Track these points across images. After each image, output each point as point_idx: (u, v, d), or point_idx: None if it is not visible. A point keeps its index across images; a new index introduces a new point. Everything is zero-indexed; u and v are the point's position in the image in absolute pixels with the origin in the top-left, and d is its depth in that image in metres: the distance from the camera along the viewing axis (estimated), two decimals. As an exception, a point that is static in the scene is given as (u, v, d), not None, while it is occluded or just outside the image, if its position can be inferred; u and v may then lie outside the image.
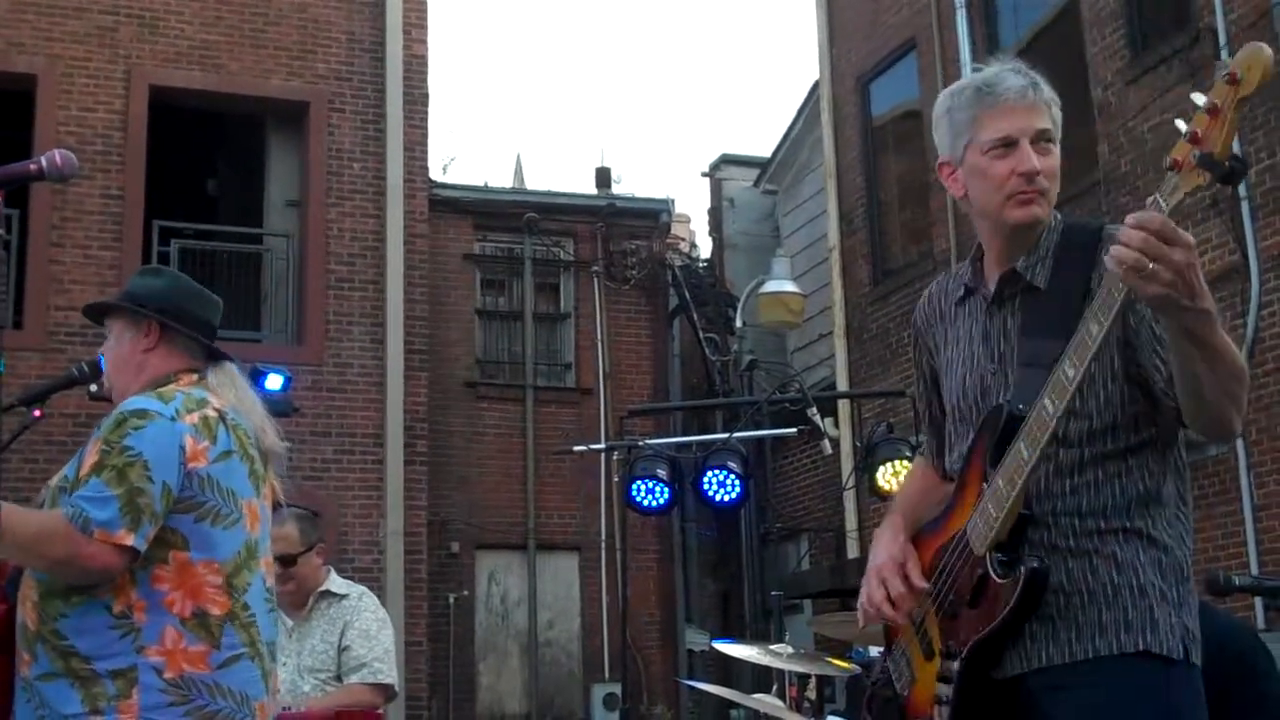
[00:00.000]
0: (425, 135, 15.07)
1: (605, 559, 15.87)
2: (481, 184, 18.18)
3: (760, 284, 16.07)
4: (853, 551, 14.27)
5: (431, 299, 15.02)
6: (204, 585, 3.32)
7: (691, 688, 14.24)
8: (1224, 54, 10.53)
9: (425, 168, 15.18)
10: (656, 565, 16.27)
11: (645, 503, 9.04)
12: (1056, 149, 2.86)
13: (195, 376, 3.57)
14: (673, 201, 17.72)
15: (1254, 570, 9.65)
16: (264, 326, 14.75)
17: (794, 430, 9.74)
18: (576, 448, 10.54)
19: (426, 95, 15.11)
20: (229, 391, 3.58)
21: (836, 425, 14.54)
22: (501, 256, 17.07)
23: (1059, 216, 2.88)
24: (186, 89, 14.22)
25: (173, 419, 3.35)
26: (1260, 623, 9.18)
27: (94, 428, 3.44)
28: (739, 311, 16.75)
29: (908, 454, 8.61)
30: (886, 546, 2.96)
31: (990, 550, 2.69)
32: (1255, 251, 10.27)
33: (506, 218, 16.87)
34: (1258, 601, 9.16)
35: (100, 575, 3.24)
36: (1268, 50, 2.29)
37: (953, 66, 13.42)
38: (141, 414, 3.34)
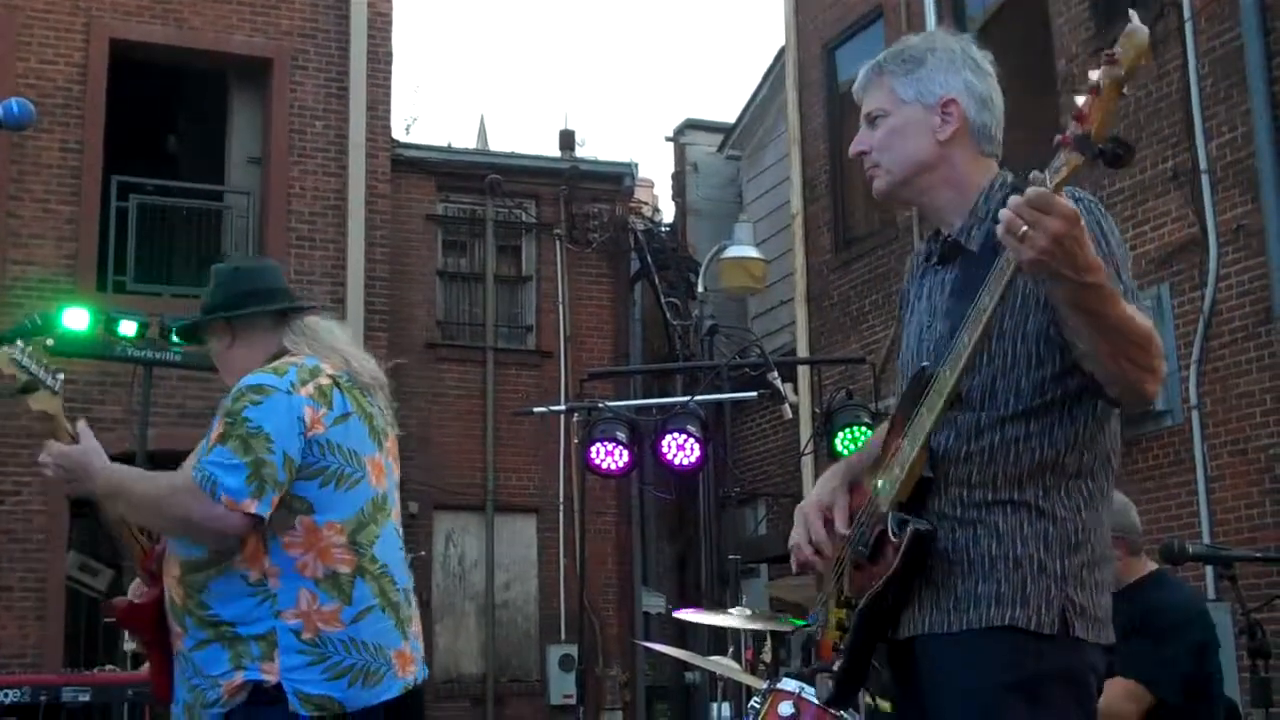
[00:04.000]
0: (388, 94, 15.01)
1: (563, 521, 15.87)
2: (444, 144, 18.12)
3: (722, 249, 16.05)
4: (810, 517, 14.28)
5: (393, 259, 14.97)
6: (331, 546, 3.48)
7: (648, 649, 14.27)
8: (1188, 27, 10.56)
9: (388, 127, 15.12)
10: (614, 528, 16.28)
11: (604, 465, 9.05)
12: (892, 116, 2.93)
13: (293, 354, 3.68)
14: (636, 166, 17.69)
15: (1206, 541, 9.73)
16: (223, 284, 14.63)
17: (754, 394, 9.76)
18: (536, 409, 10.49)
19: (390, 53, 15.04)
20: (304, 346, 3.70)
21: (796, 391, 14.57)
22: (463, 218, 16.99)
23: (1008, 178, 2.89)
24: (148, 43, 14.09)
25: (289, 392, 3.50)
26: (1211, 592, 9.27)
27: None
28: (701, 276, 16.74)
29: (866, 420, 8.65)
30: (819, 489, 3.04)
31: (892, 509, 2.74)
32: (1214, 224, 10.31)
33: (469, 179, 16.78)
34: (1209, 570, 9.26)
35: (219, 539, 3.40)
36: (1144, 33, 2.30)
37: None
38: (258, 389, 3.49)
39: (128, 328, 9.56)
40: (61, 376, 3.67)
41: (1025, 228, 2.36)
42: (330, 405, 3.55)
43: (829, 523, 2.97)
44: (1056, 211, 2.34)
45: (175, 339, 9.68)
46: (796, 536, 3.00)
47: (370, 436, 3.65)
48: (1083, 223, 2.39)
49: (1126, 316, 2.49)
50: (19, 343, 3.66)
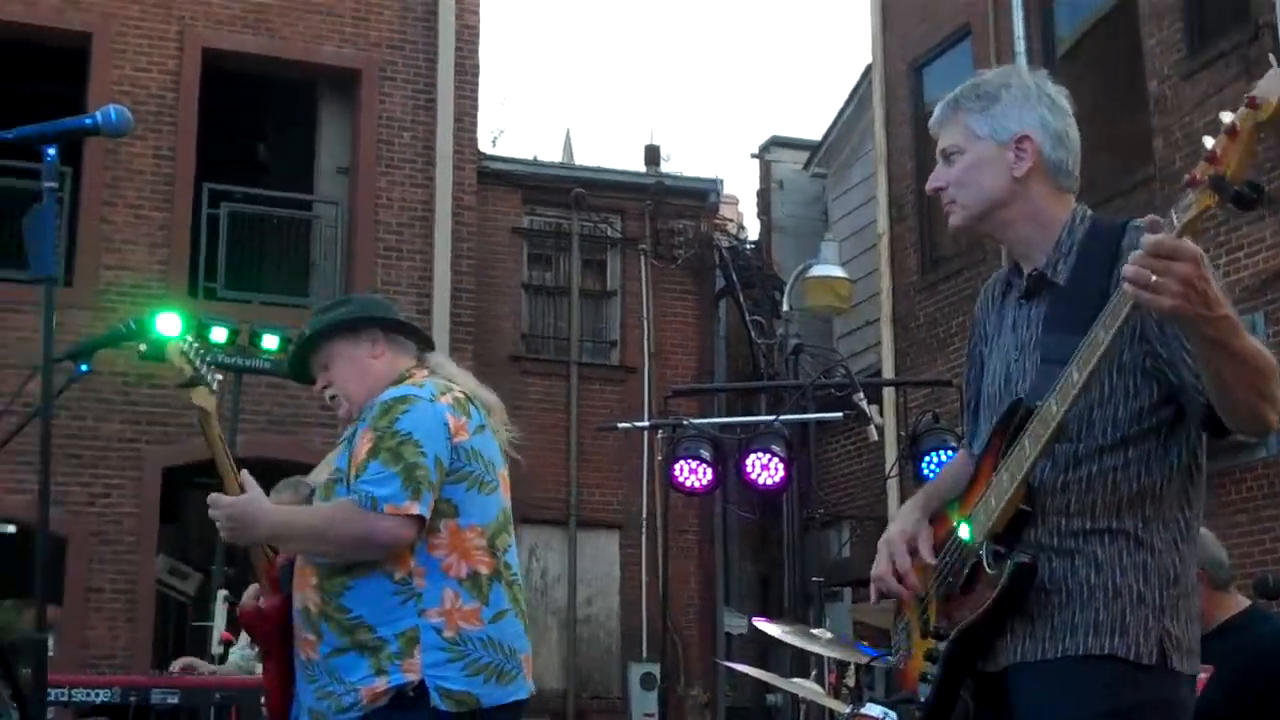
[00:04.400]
0: (475, 106, 15.09)
1: (646, 538, 15.80)
2: (530, 158, 18.17)
3: (807, 268, 15.98)
4: (894, 540, 14.16)
5: (478, 271, 15.03)
6: (472, 548, 3.60)
7: (729, 670, 14.21)
8: (1285, 50, 10.39)
9: (474, 139, 15.20)
10: (697, 546, 16.24)
11: (688, 483, 9.03)
12: (967, 152, 2.95)
13: (425, 370, 3.83)
14: (721, 182, 17.67)
15: (1300, 574, 9.54)
16: (312, 293, 14.77)
17: (839, 415, 9.68)
18: (620, 425, 10.50)
19: (477, 66, 15.13)
20: (444, 369, 3.88)
21: (881, 413, 14.44)
22: (549, 231, 17.04)
23: (1087, 212, 2.91)
24: (239, 52, 14.27)
25: (431, 400, 3.63)
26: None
27: (352, 422, 3.73)
28: (786, 295, 16.66)
29: (953, 444, 8.55)
30: (902, 519, 3.03)
31: (987, 540, 2.74)
32: (1311, 251, 10.13)
33: (555, 193, 16.83)
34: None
35: (393, 548, 3.50)
36: None
37: (1007, 54, 13.28)
38: (403, 399, 3.62)
39: (219, 334, 9.67)
40: (220, 377, 3.81)
41: (1155, 277, 2.35)
42: (468, 415, 3.68)
43: (913, 552, 2.96)
44: (1183, 255, 2.34)
45: (264, 343, 9.74)
46: (879, 567, 2.99)
47: (499, 451, 3.80)
48: (1205, 259, 2.37)
49: (1254, 346, 2.49)
50: (189, 337, 3.78)
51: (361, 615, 3.50)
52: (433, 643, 3.48)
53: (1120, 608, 2.67)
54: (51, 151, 3.40)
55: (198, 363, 3.72)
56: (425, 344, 3.97)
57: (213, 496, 3.58)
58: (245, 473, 3.61)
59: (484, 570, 3.59)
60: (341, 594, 3.53)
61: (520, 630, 3.65)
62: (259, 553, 3.76)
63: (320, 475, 3.82)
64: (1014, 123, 2.90)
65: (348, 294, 3.91)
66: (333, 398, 3.84)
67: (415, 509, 3.47)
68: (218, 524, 3.57)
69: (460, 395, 3.71)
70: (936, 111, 3.03)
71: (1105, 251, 2.77)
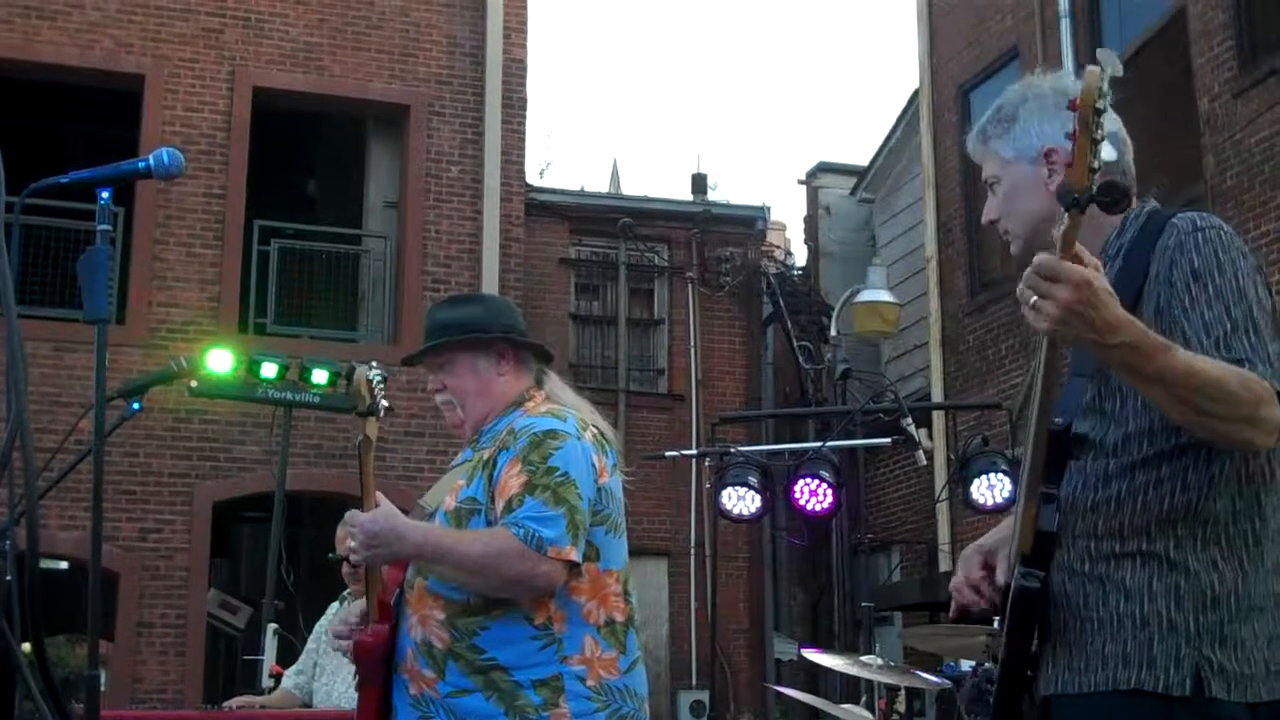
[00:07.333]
0: (523, 139, 15.17)
1: (695, 565, 15.77)
2: (578, 188, 18.25)
3: (855, 293, 15.95)
4: (945, 565, 14.12)
5: (526, 302, 15.08)
6: (610, 594, 3.51)
7: (779, 696, 14.16)
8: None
9: (522, 171, 15.28)
10: (746, 573, 16.19)
11: (736, 510, 9.03)
12: (1003, 180, 2.90)
13: (542, 393, 3.69)
14: (768, 209, 17.66)
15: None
16: (360, 326, 14.90)
17: (888, 440, 9.66)
18: (668, 453, 10.50)
19: (525, 99, 15.21)
20: (561, 394, 3.72)
21: (930, 437, 14.40)
22: (596, 261, 17.08)
23: (1145, 208, 2.77)
24: (289, 90, 14.40)
25: (578, 438, 3.50)
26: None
27: (496, 449, 3.51)
28: (833, 320, 16.64)
29: (1003, 467, 8.52)
30: (986, 536, 2.96)
31: (1017, 563, 2.64)
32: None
33: (602, 222, 16.88)
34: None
35: (544, 591, 3.37)
36: (1093, 69, 2.25)
37: (1056, 77, 13.22)
38: (554, 434, 3.46)
39: (269, 369, 9.73)
40: (388, 405, 3.70)
41: (1034, 298, 2.33)
42: (607, 454, 3.58)
43: (989, 569, 2.87)
44: (1064, 277, 2.30)
45: (314, 377, 9.80)
46: (954, 579, 2.91)
47: (621, 490, 3.68)
48: (1097, 283, 2.32)
49: (1181, 367, 2.39)
50: (374, 364, 3.72)
51: (496, 658, 3.36)
52: (578, 691, 3.36)
53: (1148, 637, 2.54)
54: (105, 195, 3.40)
55: (378, 395, 3.65)
56: (543, 357, 3.82)
57: (349, 513, 3.45)
58: (380, 495, 3.48)
59: (619, 617, 3.50)
60: (476, 634, 3.39)
61: (645, 676, 3.57)
62: (377, 577, 3.59)
63: (439, 498, 3.61)
64: (1036, 137, 2.82)
65: (480, 293, 3.68)
66: (445, 402, 3.71)
67: (573, 555, 3.35)
68: (352, 541, 3.42)
69: (597, 432, 3.58)
70: (969, 144, 2.98)
71: (1145, 252, 2.66)
